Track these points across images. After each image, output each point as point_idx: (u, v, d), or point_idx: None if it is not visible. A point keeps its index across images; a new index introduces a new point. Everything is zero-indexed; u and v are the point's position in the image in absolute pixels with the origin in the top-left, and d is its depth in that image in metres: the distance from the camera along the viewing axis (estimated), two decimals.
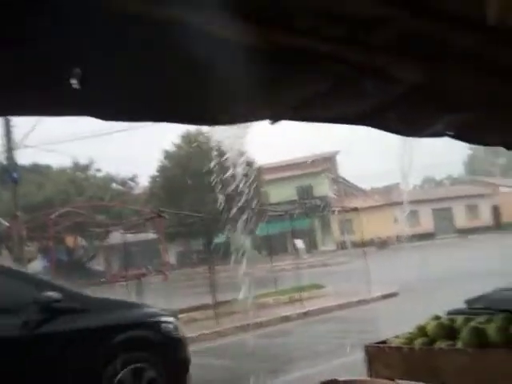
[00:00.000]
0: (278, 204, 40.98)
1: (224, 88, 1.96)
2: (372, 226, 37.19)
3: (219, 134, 2.30)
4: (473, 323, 3.10)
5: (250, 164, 35.71)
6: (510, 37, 2.42)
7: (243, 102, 2.14)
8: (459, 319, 3.24)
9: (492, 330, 2.93)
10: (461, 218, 48.22)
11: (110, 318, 6.14)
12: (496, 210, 49.40)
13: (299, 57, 2.03)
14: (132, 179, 40.71)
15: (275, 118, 2.41)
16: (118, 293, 17.02)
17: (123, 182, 40.22)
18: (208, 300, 15.08)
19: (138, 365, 6.04)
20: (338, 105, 2.65)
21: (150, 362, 6.14)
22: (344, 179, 52.61)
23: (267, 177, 40.37)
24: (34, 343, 5.60)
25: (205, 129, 33.41)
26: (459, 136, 3.50)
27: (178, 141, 37.50)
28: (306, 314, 14.24)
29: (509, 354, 2.76)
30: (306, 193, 46.12)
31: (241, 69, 1.86)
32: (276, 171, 45.38)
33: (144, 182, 40.73)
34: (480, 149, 66.40)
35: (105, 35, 1.54)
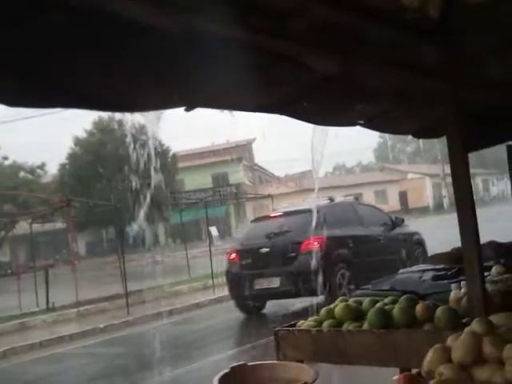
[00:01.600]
0: (193, 191, 40.77)
1: (139, 74, 1.92)
2: None
3: (133, 121, 2.26)
4: (378, 305, 3.24)
5: (164, 151, 35.34)
6: (423, 30, 2.53)
7: (158, 89, 2.11)
8: (366, 301, 3.36)
9: (396, 311, 3.07)
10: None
11: (407, 228, 13.06)
12: (403, 196, 51.54)
13: (215, 44, 2.02)
14: (41, 167, 39.14)
15: (190, 106, 2.40)
16: (24, 284, 16.43)
17: (32, 170, 38.61)
18: (119, 290, 14.81)
19: (419, 249, 12.78)
20: (253, 93, 2.66)
21: (419, 248, 12.81)
22: (259, 166, 53.09)
23: (182, 164, 40.10)
24: (388, 240, 11.88)
25: (118, 115, 32.64)
26: (370, 125, 3.62)
27: (89, 127, 36.46)
28: (218, 300, 14.29)
29: (411, 333, 2.91)
30: (221, 180, 46.14)
31: (156, 54, 1.83)
32: (191, 158, 45.12)
33: (54, 170, 39.26)
34: (389, 137, 68.86)
35: (9, 18, 1.47)
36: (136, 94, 2.09)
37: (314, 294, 9.45)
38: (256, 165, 52.14)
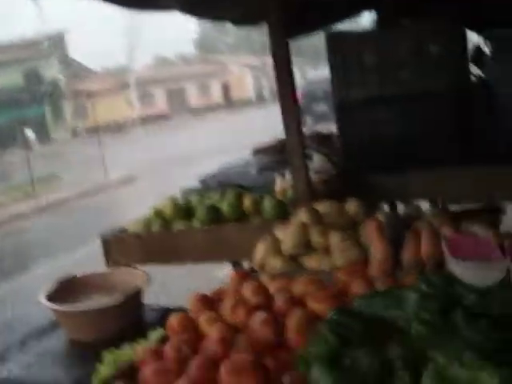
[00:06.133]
0: (2, 91, 37.36)
1: None
2: (107, 110, 36.38)
3: None
4: (207, 201, 3.21)
5: None
6: None
7: None
8: (194, 198, 3.31)
9: (225, 205, 3.06)
10: (194, 98, 49.77)
11: None
12: (226, 88, 51.98)
13: None
14: None
15: None
16: None
17: None
18: None
19: None
20: None
21: None
22: (75, 60, 49.81)
23: None
24: None
25: None
26: (188, 10, 3.39)
27: None
28: (41, 208, 13.60)
29: (240, 227, 2.93)
30: (33, 77, 42.64)
31: None
32: None
33: None
34: (209, 26, 67.81)
35: None
36: None
37: None
38: (71, 59, 48.82)
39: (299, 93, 24.02)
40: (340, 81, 3.60)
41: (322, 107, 21.08)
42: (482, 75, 3.67)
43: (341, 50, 3.56)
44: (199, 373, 1.36)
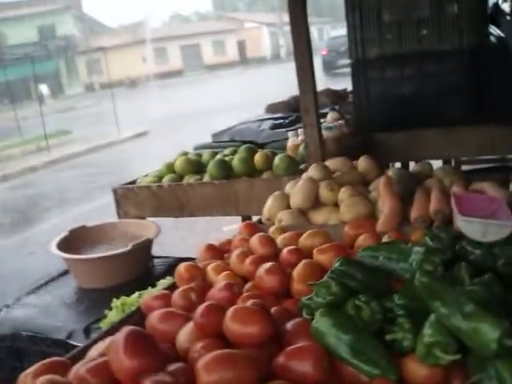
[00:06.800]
0: (16, 46, 37.15)
1: None
2: (121, 66, 36.19)
3: None
4: (218, 156, 3.21)
5: None
6: None
7: None
8: (206, 153, 3.32)
9: (236, 161, 3.06)
10: (208, 55, 49.23)
11: None
12: (241, 46, 51.30)
13: None
14: None
15: None
16: None
17: None
18: None
19: None
20: None
21: None
22: (90, 17, 49.37)
23: (1, 15, 35.95)
24: None
25: None
26: None
27: None
28: (54, 162, 13.70)
29: (251, 182, 2.94)
30: (48, 33, 42.32)
31: None
32: (11, 8, 40.51)
33: None
34: None
35: None
36: None
37: None
38: (86, 15, 48.38)
39: (325, 48, 23.82)
40: (357, 38, 3.55)
41: (346, 62, 20.73)
42: (501, 34, 3.60)
43: (359, 8, 3.50)
44: (204, 319, 1.37)
